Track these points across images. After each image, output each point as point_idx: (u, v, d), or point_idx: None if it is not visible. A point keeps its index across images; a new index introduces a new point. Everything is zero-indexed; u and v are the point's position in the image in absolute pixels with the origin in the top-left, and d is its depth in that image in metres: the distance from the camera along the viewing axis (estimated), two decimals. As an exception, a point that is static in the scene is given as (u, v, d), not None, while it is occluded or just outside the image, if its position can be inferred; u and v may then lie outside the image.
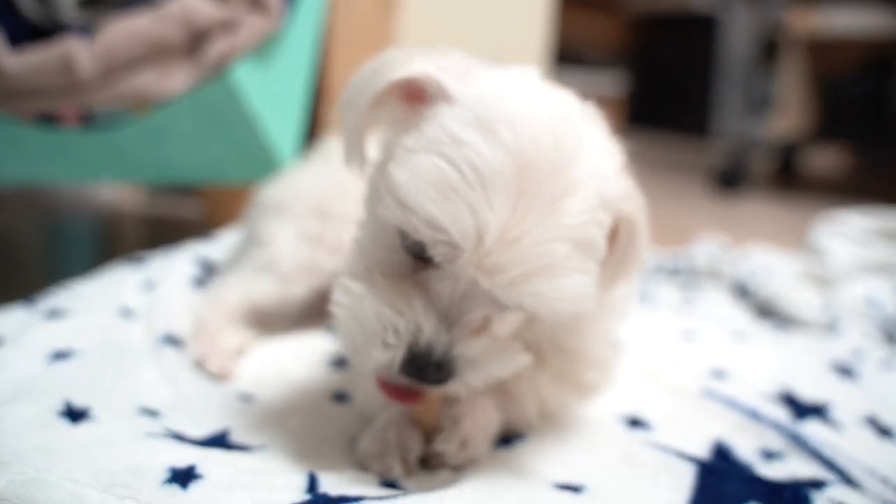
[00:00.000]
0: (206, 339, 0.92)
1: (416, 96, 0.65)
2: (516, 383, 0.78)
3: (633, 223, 0.66)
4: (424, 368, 0.60)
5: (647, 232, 0.68)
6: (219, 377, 0.87)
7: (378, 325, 0.60)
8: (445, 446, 0.71)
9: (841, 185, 3.55)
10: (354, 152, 0.68)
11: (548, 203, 0.57)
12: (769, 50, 3.85)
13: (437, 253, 0.58)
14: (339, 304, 0.63)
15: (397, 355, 0.60)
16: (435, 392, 0.65)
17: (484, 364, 0.62)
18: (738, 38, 4.05)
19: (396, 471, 0.69)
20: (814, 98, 3.62)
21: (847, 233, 1.63)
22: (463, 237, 0.56)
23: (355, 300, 0.62)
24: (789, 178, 3.53)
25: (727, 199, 2.96)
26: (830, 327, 1.27)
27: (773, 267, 1.59)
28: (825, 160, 3.88)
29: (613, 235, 0.66)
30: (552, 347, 0.80)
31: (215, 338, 0.92)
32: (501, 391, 0.78)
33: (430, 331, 0.60)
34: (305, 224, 1.02)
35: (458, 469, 0.71)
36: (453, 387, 0.63)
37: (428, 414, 0.73)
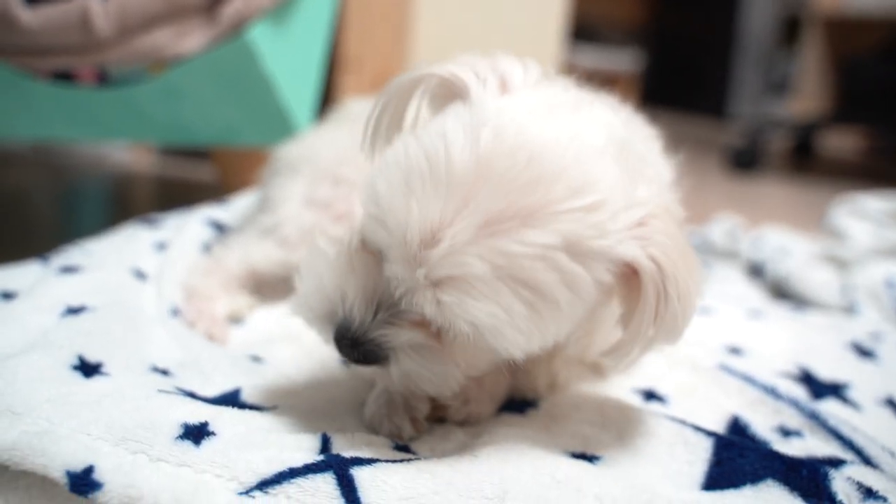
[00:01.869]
0: (197, 304, 0.91)
1: (447, 97, 0.65)
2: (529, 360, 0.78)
3: (656, 276, 0.58)
4: (341, 343, 0.60)
5: (687, 289, 0.59)
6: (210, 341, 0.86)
7: (316, 297, 0.61)
8: (450, 401, 0.71)
9: (859, 168, 3.51)
10: (376, 139, 0.68)
11: (494, 220, 0.53)
12: (790, 28, 3.80)
13: (376, 236, 0.58)
14: (303, 264, 0.64)
15: (327, 327, 0.61)
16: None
17: (413, 359, 0.60)
18: (759, 14, 3.99)
19: (407, 430, 0.69)
20: (833, 79, 3.57)
21: (866, 214, 1.61)
22: (395, 225, 0.55)
23: (312, 266, 0.63)
24: (807, 160, 3.49)
25: (743, 180, 2.93)
26: (848, 309, 1.25)
27: (790, 247, 1.57)
28: (844, 142, 3.84)
29: (631, 284, 0.60)
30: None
31: (206, 303, 0.92)
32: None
33: (349, 309, 0.59)
34: (315, 188, 1.01)
35: (468, 430, 0.72)
36: (381, 373, 0.62)
37: None
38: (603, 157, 0.58)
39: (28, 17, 1.15)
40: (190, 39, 1.25)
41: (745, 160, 3.05)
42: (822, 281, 1.36)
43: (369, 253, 0.61)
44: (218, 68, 1.28)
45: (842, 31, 3.55)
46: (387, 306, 0.59)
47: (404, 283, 0.56)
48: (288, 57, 1.39)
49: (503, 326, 0.54)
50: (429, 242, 0.53)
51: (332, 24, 1.58)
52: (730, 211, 2.21)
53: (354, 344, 0.60)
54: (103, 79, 1.25)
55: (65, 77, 1.23)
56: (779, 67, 4.27)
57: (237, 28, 1.26)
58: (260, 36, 1.28)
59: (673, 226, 0.61)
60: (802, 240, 1.65)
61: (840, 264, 1.47)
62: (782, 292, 1.39)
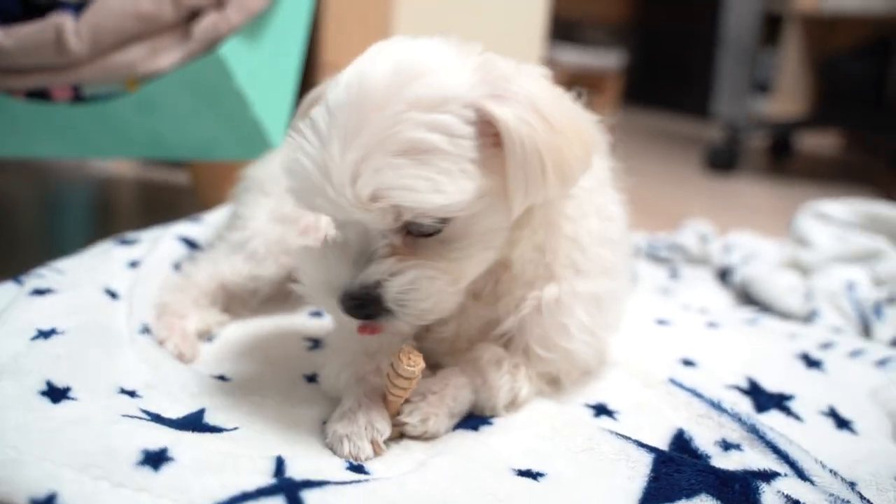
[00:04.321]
0: (167, 321, 0.94)
1: None
2: (496, 370, 0.82)
3: (501, 126, 0.68)
4: (351, 308, 0.70)
5: (526, 133, 0.69)
6: (179, 359, 0.89)
7: (314, 284, 0.73)
8: (408, 419, 0.77)
9: (838, 167, 3.56)
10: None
11: (376, 123, 0.66)
12: (773, 27, 3.82)
13: (316, 208, 0.70)
14: (298, 266, 0.76)
15: (334, 304, 0.71)
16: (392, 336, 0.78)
17: (402, 281, 0.69)
18: (741, 12, 4.02)
19: (366, 451, 0.73)
20: (813, 78, 3.61)
21: (830, 220, 1.65)
22: (320, 184, 0.67)
23: (303, 266, 0.75)
24: (786, 159, 3.53)
25: (722, 180, 2.97)
26: (808, 315, 1.29)
27: (757, 252, 1.61)
28: (823, 140, 3.88)
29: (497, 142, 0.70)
30: (542, 346, 0.84)
31: (177, 320, 0.94)
32: (480, 374, 0.82)
33: (337, 277, 0.71)
34: (282, 204, 1.03)
35: (424, 448, 0.75)
36: (393, 322, 0.71)
37: (404, 394, 0.76)
38: (449, 59, 0.71)
39: (2, 37, 1.18)
40: (164, 56, 1.27)
41: (723, 159, 3.09)
42: (785, 286, 1.40)
43: (336, 243, 0.74)
44: (192, 83, 1.30)
45: (821, 29, 3.59)
46: (364, 259, 0.70)
47: (354, 225, 0.70)
48: (262, 71, 1.41)
49: (421, 188, 0.66)
50: (346, 183, 0.66)
51: (307, 35, 1.60)
52: (706, 211, 2.25)
53: (355, 299, 0.70)
54: (78, 96, 1.27)
55: (40, 95, 1.25)
56: (762, 66, 4.30)
57: (211, 44, 1.28)
58: (232, 51, 1.30)
59: (535, 84, 0.72)
60: (771, 245, 1.69)
61: (803, 270, 1.51)
62: (748, 297, 1.43)
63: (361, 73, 0.69)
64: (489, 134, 0.70)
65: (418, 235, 0.71)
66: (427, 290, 0.70)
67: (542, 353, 0.84)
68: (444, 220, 0.70)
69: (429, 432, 0.77)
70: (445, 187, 0.67)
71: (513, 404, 0.83)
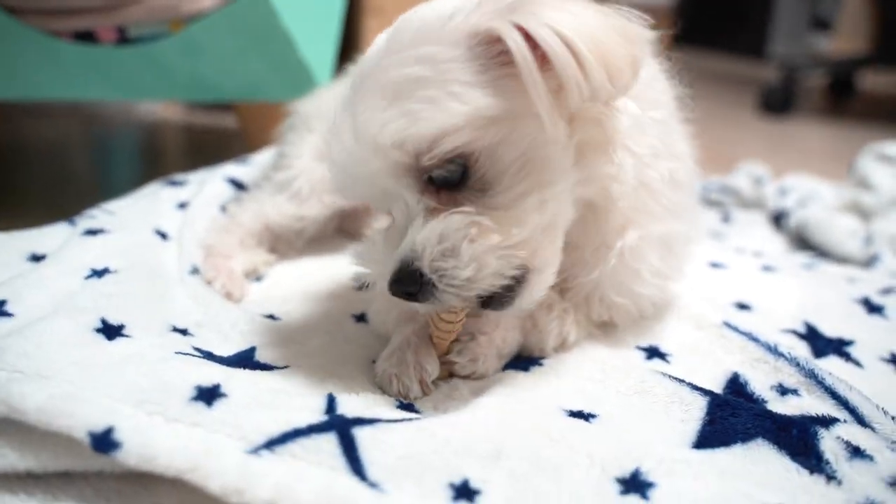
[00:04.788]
0: (214, 262, 0.94)
1: None
2: (546, 314, 0.81)
3: (502, 36, 0.62)
4: (395, 289, 0.65)
5: (583, 48, 0.61)
6: (227, 298, 0.90)
7: (372, 280, 0.70)
8: (458, 358, 0.75)
9: (899, 109, 3.41)
10: None
11: (372, 80, 0.65)
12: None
13: (354, 193, 0.70)
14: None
15: (386, 287, 0.66)
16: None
17: (451, 257, 0.63)
18: (801, -53, 3.82)
19: (414, 391, 0.73)
20: (877, 14, 3.43)
21: (894, 162, 1.58)
22: (342, 165, 0.67)
23: (360, 255, 0.72)
24: (846, 101, 3.39)
25: (778, 122, 2.87)
26: (868, 260, 1.25)
27: (814, 195, 1.56)
28: (887, 81, 3.71)
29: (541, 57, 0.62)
30: (615, 292, 0.82)
31: (223, 260, 0.95)
32: (530, 317, 0.81)
33: (389, 258, 0.66)
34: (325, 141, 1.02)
35: (472, 387, 0.75)
36: (438, 298, 0.64)
37: (449, 336, 0.76)
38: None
39: (48, -21, 1.17)
40: (207, -4, 1.26)
41: (779, 101, 2.98)
42: (844, 230, 1.35)
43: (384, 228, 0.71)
44: (237, 23, 1.29)
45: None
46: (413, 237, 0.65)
47: (393, 201, 0.68)
48: (307, 10, 1.39)
49: (400, 122, 0.62)
50: (356, 147, 0.65)
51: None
52: (761, 154, 2.18)
53: (398, 278, 0.65)
54: (123, 38, 1.27)
55: (86, 37, 1.25)
56: (823, 2, 4.11)
57: (255, -18, 1.26)
58: (279, -12, 1.28)
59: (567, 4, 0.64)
60: (828, 188, 1.63)
61: (864, 213, 1.46)
62: (804, 242, 1.39)
63: (372, 45, 0.68)
64: (497, 54, 0.64)
65: (450, 188, 0.65)
66: (466, 252, 0.63)
67: (615, 299, 0.82)
68: (460, 158, 0.64)
69: (477, 372, 0.77)
70: (426, 114, 0.62)
71: (562, 347, 0.82)
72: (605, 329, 0.87)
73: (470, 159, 0.64)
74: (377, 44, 0.68)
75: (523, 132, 0.65)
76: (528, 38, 0.61)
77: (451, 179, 0.65)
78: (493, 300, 0.66)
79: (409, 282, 0.64)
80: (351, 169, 0.66)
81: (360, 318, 0.88)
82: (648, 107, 0.77)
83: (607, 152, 0.72)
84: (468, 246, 0.63)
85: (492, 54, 0.64)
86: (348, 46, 2.02)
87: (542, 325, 0.81)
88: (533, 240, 0.66)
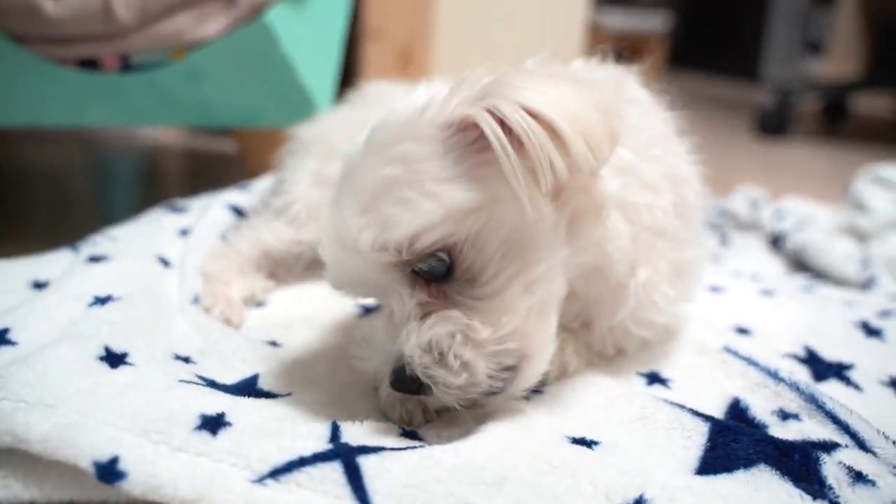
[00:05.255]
0: (212, 289, 0.95)
1: None
2: None
3: (492, 123, 0.62)
4: (396, 386, 0.67)
5: (559, 127, 0.61)
6: (226, 325, 0.90)
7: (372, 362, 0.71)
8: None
9: (893, 134, 3.43)
10: None
11: (352, 183, 0.66)
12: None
13: (349, 289, 0.72)
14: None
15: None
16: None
17: (439, 365, 0.64)
18: (793, -29, 3.87)
19: (417, 418, 0.73)
20: (868, 38, 3.47)
21: (888, 184, 1.60)
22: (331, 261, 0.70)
23: (360, 344, 0.73)
24: (840, 124, 3.42)
25: (772, 145, 2.89)
26: (865, 282, 1.26)
27: (811, 218, 1.57)
28: (879, 105, 3.74)
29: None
30: (636, 325, 0.82)
31: (222, 287, 0.95)
32: None
33: (393, 363, 0.66)
34: (326, 166, 1.02)
35: (475, 416, 0.74)
36: (443, 399, 0.66)
37: None
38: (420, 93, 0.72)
39: (52, 7, 1.19)
40: (210, 24, 1.27)
41: (774, 124, 3.00)
42: (842, 252, 1.36)
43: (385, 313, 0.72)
44: (238, 50, 1.30)
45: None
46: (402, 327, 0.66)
47: (387, 293, 0.68)
48: (307, 36, 1.41)
49: (377, 225, 0.63)
50: (339, 250, 0.67)
51: (352, 0, 1.59)
52: (757, 177, 2.20)
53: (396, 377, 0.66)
54: (127, 65, 1.28)
55: (89, 64, 1.26)
56: (814, 25, 4.16)
57: (256, 10, 1.28)
58: (278, 17, 1.30)
59: (535, 79, 0.65)
60: (825, 211, 1.64)
61: (860, 236, 1.47)
62: (802, 264, 1.39)
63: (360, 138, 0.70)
64: (473, 141, 0.65)
65: (438, 281, 0.66)
66: (454, 362, 0.64)
67: (633, 331, 0.83)
68: (443, 252, 0.64)
69: (478, 401, 0.76)
70: (400, 217, 0.62)
71: (562, 376, 0.82)
72: (606, 356, 0.88)
73: (453, 251, 0.65)
74: (361, 140, 0.69)
75: (504, 217, 0.65)
76: (502, 122, 0.62)
77: (436, 273, 0.66)
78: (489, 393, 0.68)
79: (408, 383, 0.65)
80: (342, 270, 0.68)
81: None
82: (644, 148, 0.77)
83: (599, 217, 0.72)
84: (457, 353, 0.64)
85: (467, 142, 0.64)
86: (349, 71, 2.04)
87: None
88: (526, 326, 0.67)
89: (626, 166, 0.75)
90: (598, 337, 0.84)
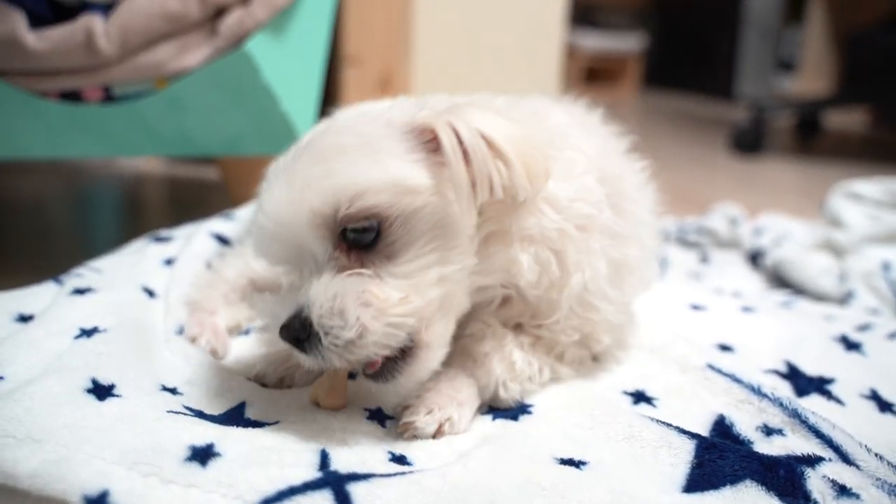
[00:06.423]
0: (199, 318, 0.95)
1: None
2: (479, 345, 0.82)
3: (442, 130, 0.70)
4: (284, 334, 0.69)
5: (456, 139, 0.69)
6: (211, 356, 0.90)
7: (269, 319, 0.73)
8: (414, 418, 0.75)
9: (866, 147, 3.50)
10: None
11: (309, 150, 0.72)
12: (794, 2, 3.75)
13: (275, 256, 0.75)
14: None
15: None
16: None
17: (338, 316, 0.66)
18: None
19: (294, 379, 0.83)
20: (838, 55, 3.54)
21: (861, 200, 1.63)
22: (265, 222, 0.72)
23: (262, 304, 0.76)
24: (813, 140, 3.48)
25: (749, 162, 2.94)
26: (843, 297, 1.28)
27: (789, 234, 1.59)
28: (851, 120, 3.82)
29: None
30: (529, 321, 0.84)
31: (208, 316, 0.95)
32: (466, 356, 0.81)
33: (289, 311, 0.69)
34: None
35: (464, 436, 0.76)
36: (321, 353, 0.68)
37: (333, 394, 0.78)
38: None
39: (34, 40, 1.19)
40: (191, 54, 1.28)
41: (749, 141, 3.05)
42: (819, 268, 1.39)
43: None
44: (220, 80, 1.31)
45: (846, 3, 3.52)
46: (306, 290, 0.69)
47: (306, 259, 0.71)
48: (289, 65, 1.42)
49: (354, 173, 0.68)
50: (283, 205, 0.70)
51: (332, 26, 1.60)
52: (734, 194, 2.23)
53: (287, 324, 0.69)
54: (109, 96, 1.28)
55: (72, 96, 1.27)
56: (786, 44, 4.23)
57: (237, 40, 1.29)
58: (259, 47, 1.31)
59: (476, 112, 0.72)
60: (801, 226, 1.67)
61: (837, 251, 1.49)
62: (780, 280, 1.42)
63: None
64: (426, 142, 0.72)
65: (360, 249, 0.70)
66: (352, 315, 0.66)
67: (574, 335, 0.84)
68: (375, 219, 0.69)
69: (443, 422, 0.75)
70: (350, 172, 0.68)
71: (515, 378, 0.82)
72: (590, 372, 0.89)
73: (384, 223, 0.69)
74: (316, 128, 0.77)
75: (437, 210, 0.71)
76: (457, 136, 0.69)
77: (363, 240, 0.69)
78: (377, 372, 0.71)
79: (298, 329, 0.68)
80: (273, 227, 0.71)
81: (349, 370, 0.88)
82: (567, 165, 0.80)
83: (509, 246, 0.77)
84: (356, 309, 0.66)
85: (423, 140, 0.72)
86: (329, 97, 2.05)
87: (479, 354, 0.81)
88: (428, 311, 0.71)
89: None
90: (549, 341, 0.85)
